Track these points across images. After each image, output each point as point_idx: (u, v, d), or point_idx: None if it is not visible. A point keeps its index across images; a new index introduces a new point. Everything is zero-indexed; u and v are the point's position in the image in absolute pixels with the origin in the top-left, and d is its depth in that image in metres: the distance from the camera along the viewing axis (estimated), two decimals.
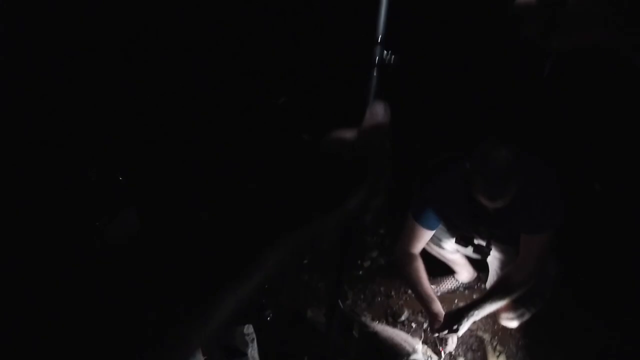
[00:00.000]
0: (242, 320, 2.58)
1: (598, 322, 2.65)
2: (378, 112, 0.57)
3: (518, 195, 2.04)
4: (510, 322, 2.49)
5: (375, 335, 2.69)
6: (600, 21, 0.53)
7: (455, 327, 2.33)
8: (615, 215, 2.84)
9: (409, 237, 2.50)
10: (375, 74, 0.70)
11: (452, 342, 2.51)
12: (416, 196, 2.47)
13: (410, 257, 2.53)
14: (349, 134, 0.53)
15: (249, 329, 2.54)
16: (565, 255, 2.48)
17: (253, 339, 2.51)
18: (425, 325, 2.83)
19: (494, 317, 2.79)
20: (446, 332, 2.37)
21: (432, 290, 2.55)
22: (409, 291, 3.04)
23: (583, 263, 2.78)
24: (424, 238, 2.50)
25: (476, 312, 2.31)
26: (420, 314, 2.93)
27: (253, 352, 2.49)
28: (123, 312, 0.28)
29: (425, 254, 2.78)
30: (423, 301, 2.51)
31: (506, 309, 2.43)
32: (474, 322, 2.47)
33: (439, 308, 2.45)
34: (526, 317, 2.46)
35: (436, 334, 2.46)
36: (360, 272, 3.20)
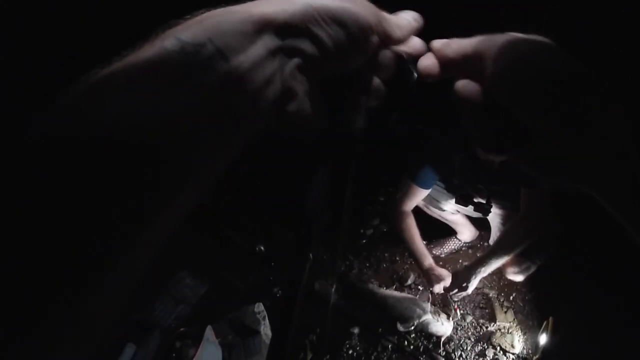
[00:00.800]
0: (251, 300, 2.60)
1: (604, 272, 2.67)
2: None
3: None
4: (516, 276, 2.52)
5: (384, 300, 2.72)
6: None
7: (464, 284, 2.36)
8: None
9: (403, 197, 2.51)
10: None
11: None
12: (413, 159, 2.47)
13: (402, 214, 2.55)
14: None
15: (259, 307, 2.56)
16: (568, 207, 2.48)
17: (264, 317, 2.54)
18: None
19: (499, 273, 2.82)
20: (456, 290, 2.41)
21: (424, 245, 2.59)
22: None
23: (585, 215, 2.79)
24: (418, 197, 2.52)
25: (483, 269, 2.34)
26: None
27: (265, 329, 2.51)
28: None
29: (426, 216, 2.80)
30: (415, 256, 2.56)
31: (512, 263, 2.45)
32: (480, 280, 2.50)
33: (430, 262, 2.50)
34: (532, 270, 2.48)
35: (447, 293, 2.49)
36: (364, 241, 3.21)
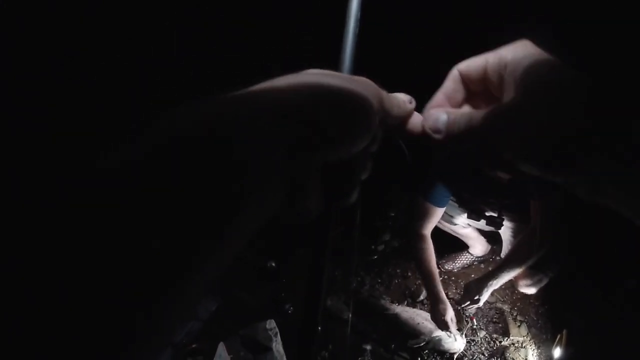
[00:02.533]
0: (263, 316, 2.60)
1: (618, 284, 2.66)
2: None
3: None
4: (529, 289, 2.50)
5: (396, 317, 2.71)
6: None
7: (476, 297, 2.34)
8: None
9: (420, 218, 2.51)
10: None
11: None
12: (425, 176, 2.47)
13: (421, 238, 2.53)
14: None
15: (271, 324, 2.55)
16: (579, 218, 2.48)
17: (276, 333, 2.53)
18: None
19: (512, 287, 2.81)
20: (468, 303, 2.39)
21: (437, 273, 2.55)
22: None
23: (598, 226, 2.78)
24: (435, 217, 2.51)
25: (495, 281, 2.33)
26: None
27: (277, 345, 2.50)
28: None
29: (437, 231, 2.80)
30: (426, 283, 2.53)
31: (524, 276, 2.44)
32: (493, 294, 2.48)
33: (439, 291, 2.46)
34: (544, 282, 2.46)
35: (459, 306, 2.48)
36: (375, 257, 3.21)
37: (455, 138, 0.51)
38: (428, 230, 2.55)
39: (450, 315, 2.41)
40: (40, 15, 2.13)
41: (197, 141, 0.34)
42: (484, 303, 2.69)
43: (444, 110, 0.53)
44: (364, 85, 0.47)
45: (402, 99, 0.53)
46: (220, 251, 0.34)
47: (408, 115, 0.54)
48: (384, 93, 0.49)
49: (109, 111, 2.37)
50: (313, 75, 0.46)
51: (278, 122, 0.39)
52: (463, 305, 2.43)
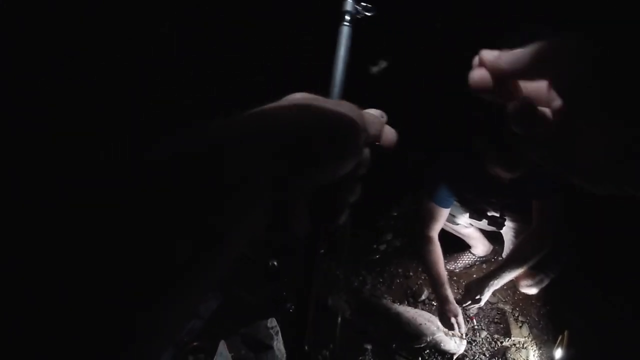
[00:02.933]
0: (264, 315, 2.61)
1: (620, 285, 2.64)
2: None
3: (529, 162, 2.04)
4: (530, 289, 2.49)
5: (398, 316, 2.71)
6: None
7: (477, 297, 2.34)
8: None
9: (427, 219, 2.50)
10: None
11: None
12: (428, 177, 2.47)
13: (428, 240, 2.53)
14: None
15: (272, 322, 2.56)
16: (580, 219, 2.47)
17: (277, 332, 2.54)
18: None
19: (513, 288, 2.80)
20: (469, 303, 2.39)
21: (445, 275, 2.55)
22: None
23: (599, 227, 2.76)
24: (440, 218, 2.51)
25: (496, 281, 2.32)
26: None
27: (278, 344, 2.51)
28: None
29: (440, 231, 2.80)
30: (434, 284, 2.52)
31: (525, 276, 2.43)
32: (494, 295, 2.48)
33: (447, 292, 2.46)
34: (545, 283, 2.46)
35: (460, 306, 2.47)
36: (377, 256, 3.21)
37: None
38: (435, 231, 2.54)
39: (459, 317, 2.41)
40: (40, 15, 2.14)
41: (194, 159, 0.36)
42: (485, 303, 2.68)
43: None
44: (348, 108, 0.48)
45: (376, 115, 0.53)
46: (219, 255, 0.35)
47: (382, 129, 0.53)
48: (363, 112, 0.50)
49: (108, 111, 2.38)
50: (300, 100, 0.47)
51: (266, 147, 0.40)
52: (464, 305, 2.43)
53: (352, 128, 0.46)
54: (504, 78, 0.46)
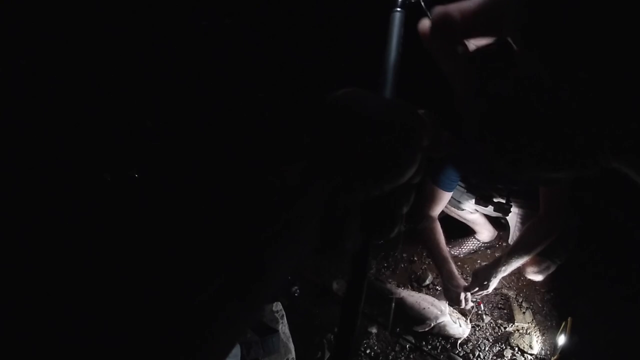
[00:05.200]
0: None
1: (623, 272, 2.65)
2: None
3: None
4: (537, 276, 2.50)
5: (402, 301, 2.72)
6: None
7: (485, 283, 2.35)
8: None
9: (429, 201, 2.52)
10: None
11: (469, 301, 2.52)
12: (434, 162, 2.47)
13: (429, 218, 2.55)
14: None
15: (277, 306, 2.57)
16: (587, 205, 2.47)
17: (283, 315, 2.55)
18: None
19: (518, 274, 2.81)
20: (477, 289, 2.40)
21: (448, 251, 2.58)
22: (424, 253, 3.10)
23: (605, 214, 2.77)
24: (442, 201, 2.52)
25: (504, 268, 2.33)
26: None
27: (284, 327, 2.52)
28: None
29: (445, 216, 2.80)
30: (437, 261, 2.55)
31: (531, 263, 2.44)
32: (499, 280, 2.49)
33: (451, 268, 2.49)
34: (552, 269, 2.47)
35: (467, 292, 2.48)
36: (382, 241, 3.21)
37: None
38: (436, 212, 2.56)
39: (463, 291, 2.43)
40: (41, 15, 2.13)
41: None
42: None
43: None
44: (407, 111, 0.44)
45: (430, 118, 0.48)
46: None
47: (437, 133, 0.49)
48: (421, 117, 0.46)
49: (109, 111, 2.38)
50: (352, 100, 0.44)
51: (322, 160, 0.39)
52: (472, 292, 2.44)
53: (413, 138, 0.43)
54: (453, 34, 0.41)
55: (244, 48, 2.66)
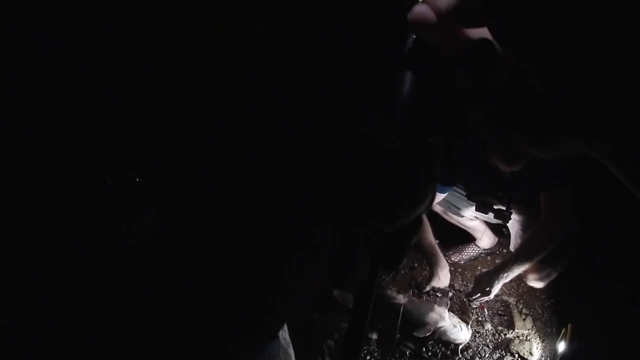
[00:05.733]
0: None
1: (624, 278, 2.65)
2: None
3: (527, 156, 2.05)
4: (538, 283, 2.51)
5: (402, 307, 2.72)
6: None
7: (487, 289, 2.35)
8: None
9: None
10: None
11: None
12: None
13: None
14: None
15: None
16: (587, 212, 2.47)
17: None
18: (450, 294, 2.85)
19: (519, 280, 2.81)
20: (478, 295, 2.40)
21: (436, 245, 2.61)
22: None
23: (605, 219, 2.77)
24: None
25: (506, 274, 2.33)
26: None
27: (284, 333, 2.51)
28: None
29: (445, 223, 2.80)
30: (427, 255, 2.57)
31: (533, 269, 2.44)
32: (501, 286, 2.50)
33: (441, 260, 2.52)
34: (553, 276, 2.47)
35: (469, 298, 2.49)
36: (391, 272, 3.22)
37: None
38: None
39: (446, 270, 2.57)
40: (40, 15, 2.13)
41: None
42: None
43: None
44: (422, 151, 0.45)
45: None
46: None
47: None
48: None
49: (115, 113, 2.38)
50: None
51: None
52: (473, 297, 2.44)
53: (428, 174, 0.43)
54: (446, 21, 0.40)
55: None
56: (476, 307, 2.61)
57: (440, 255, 2.61)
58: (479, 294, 2.39)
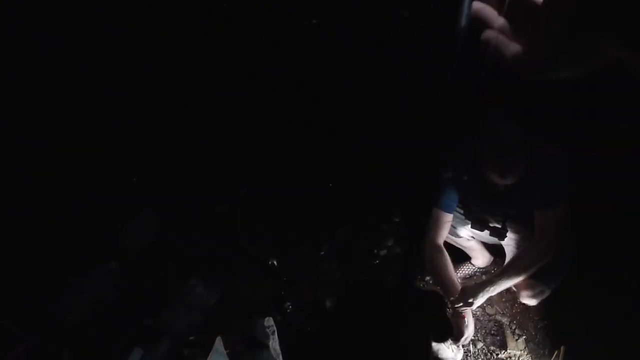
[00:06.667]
0: (263, 312, 2.61)
1: (617, 300, 2.64)
2: None
3: (528, 170, 2.05)
4: (531, 300, 2.48)
5: None
6: None
7: (470, 300, 2.32)
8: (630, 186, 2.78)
9: (434, 227, 2.50)
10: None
11: (469, 329, 2.48)
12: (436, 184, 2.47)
13: (437, 249, 2.51)
14: None
15: (269, 321, 2.56)
16: (582, 231, 2.46)
17: (274, 331, 2.54)
18: None
19: (512, 300, 2.80)
20: (461, 305, 2.37)
21: (456, 278, 2.53)
22: (426, 278, 3.08)
23: (600, 239, 2.76)
24: (446, 224, 2.49)
25: (492, 287, 2.30)
26: None
27: (274, 343, 2.51)
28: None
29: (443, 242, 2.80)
30: (448, 292, 2.49)
31: (526, 286, 2.42)
32: (493, 307, 2.47)
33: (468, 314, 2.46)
34: (546, 294, 2.44)
35: (452, 306, 2.45)
36: (377, 261, 3.21)
37: None
38: (442, 239, 2.53)
39: (471, 327, 2.41)
40: (40, 15, 2.16)
41: None
42: (483, 315, 2.68)
43: None
44: None
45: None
46: None
47: None
48: None
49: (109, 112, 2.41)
50: None
51: None
52: (456, 306, 2.40)
53: None
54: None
55: None
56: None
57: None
58: (462, 304, 2.36)
